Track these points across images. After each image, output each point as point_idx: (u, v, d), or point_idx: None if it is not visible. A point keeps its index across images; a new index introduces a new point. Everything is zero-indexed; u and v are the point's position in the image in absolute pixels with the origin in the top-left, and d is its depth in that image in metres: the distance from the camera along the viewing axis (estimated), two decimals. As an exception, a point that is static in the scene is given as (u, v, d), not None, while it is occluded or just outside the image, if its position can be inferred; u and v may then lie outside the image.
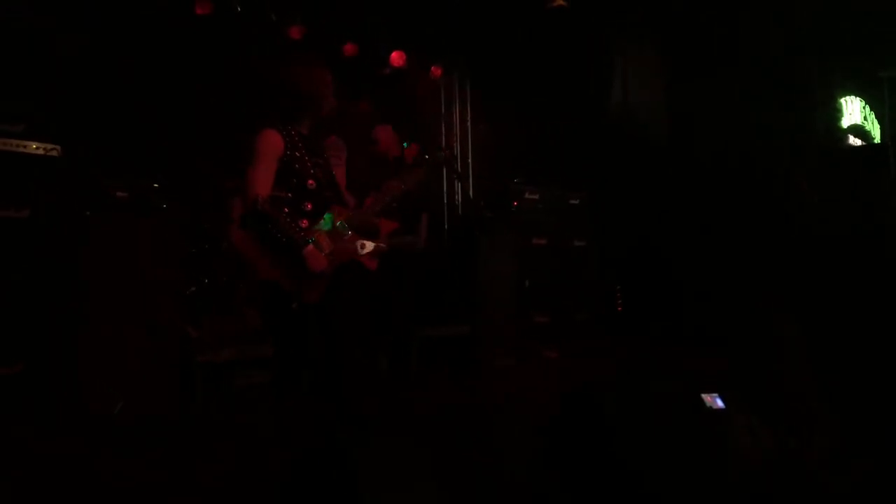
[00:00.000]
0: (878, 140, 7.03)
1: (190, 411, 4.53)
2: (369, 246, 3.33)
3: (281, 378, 3.17)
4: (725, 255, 6.53)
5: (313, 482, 1.84)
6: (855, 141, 7.17)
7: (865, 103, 7.21)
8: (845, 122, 7.24)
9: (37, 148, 4.18)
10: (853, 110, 7.26)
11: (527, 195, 7.26)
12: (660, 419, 2.35)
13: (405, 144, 4.63)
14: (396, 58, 7.23)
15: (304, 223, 3.13)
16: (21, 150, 4.13)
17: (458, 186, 8.02)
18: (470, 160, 8.15)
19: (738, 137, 6.75)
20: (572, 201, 7.57)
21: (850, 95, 7.26)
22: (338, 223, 3.25)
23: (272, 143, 3.13)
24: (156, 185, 4.70)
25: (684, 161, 7.16)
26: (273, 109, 3.23)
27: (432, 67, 7.68)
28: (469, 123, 8.29)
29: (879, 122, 7.18)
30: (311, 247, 3.04)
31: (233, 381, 4.96)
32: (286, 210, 3.09)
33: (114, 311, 4.29)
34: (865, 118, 7.22)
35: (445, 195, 8.14)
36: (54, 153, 4.24)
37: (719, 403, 2.36)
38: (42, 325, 4.08)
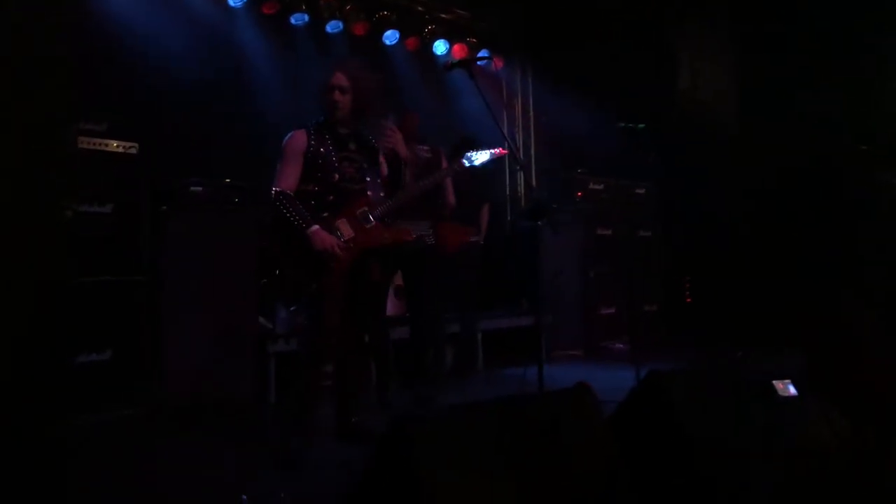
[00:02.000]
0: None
1: (264, 398, 4.68)
2: (394, 234, 3.58)
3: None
4: (797, 245, 6.32)
5: (377, 470, 1.87)
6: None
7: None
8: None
9: (117, 146, 4.37)
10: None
11: (591, 185, 7.20)
12: (730, 405, 2.32)
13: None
14: (458, 51, 7.27)
15: (326, 214, 3.40)
16: (103, 148, 4.32)
17: (521, 177, 8.00)
18: (533, 151, 8.12)
19: (810, 124, 6.52)
20: (638, 191, 7.47)
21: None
22: (358, 212, 3.48)
23: (296, 141, 3.45)
24: (228, 181, 4.85)
25: (754, 149, 6.96)
26: (321, 107, 3.51)
27: (494, 59, 7.67)
28: (532, 114, 8.25)
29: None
30: (316, 228, 3.29)
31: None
32: (312, 202, 3.39)
33: (191, 302, 4.45)
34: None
35: (508, 187, 8.12)
36: (133, 151, 4.43)
37: (792, 391, 2.30)
38: (128, 314, 4.27)
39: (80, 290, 4.06)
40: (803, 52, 6.57)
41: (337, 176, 3.45)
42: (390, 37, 6.94)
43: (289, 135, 3.47)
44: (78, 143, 4.18)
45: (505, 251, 6.83)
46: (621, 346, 6.90)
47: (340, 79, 3.45)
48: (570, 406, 2.25)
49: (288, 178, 3.40)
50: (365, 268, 3.51)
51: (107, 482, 3.16)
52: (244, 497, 2.24)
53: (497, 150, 4.06)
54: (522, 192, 8.06)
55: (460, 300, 5.60)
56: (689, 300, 7.68)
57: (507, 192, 8.10)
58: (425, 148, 4.73)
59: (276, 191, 3.36)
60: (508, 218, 7.87)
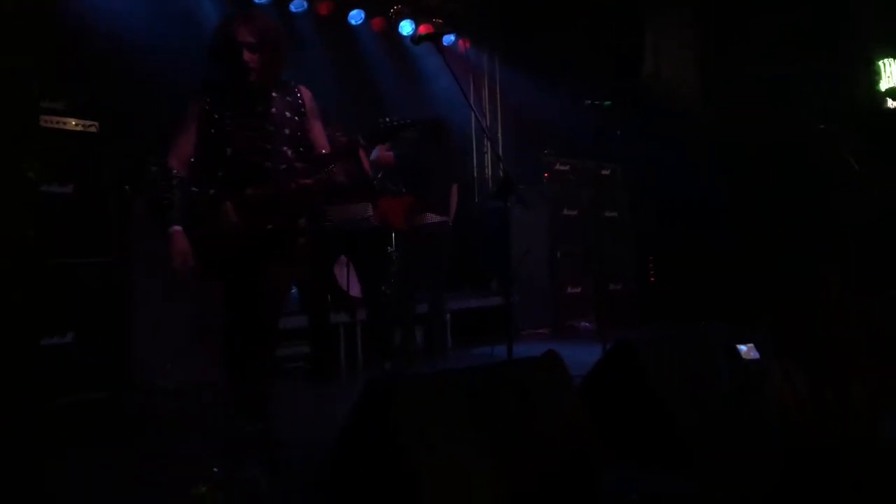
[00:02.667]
0: (918, 103, 6.85)
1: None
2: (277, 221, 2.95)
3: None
4: (761, 225, 6.45)
5: (359, 440, 1.88)
6: (894, 104, 7.00)
7: (905, 66, 7.03)
8: (884, 85, 7.07)
9: (76, 125, 4.27)
10: (892, 73, 7.08)
11: (557, 167, 7.26)
12: (697, 368, 2.37)
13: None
14: (424, 30, 7.23)
15: (213, 192, 2.85)
16: (62, 126, 4.22)
17: (489, 159, 8.02)
18: (500, 133, 8.13)
19: (774, 105, 6.65)
20: (603, 172, 7.54)
21: (889, 58, 7.09)
22: (250, 191, 2.87)
23: (191, 110, 2.94)
24: (192, 160, 4.77)
25: (718, 130, 7.07)
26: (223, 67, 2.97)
27: (460, 41, 7.66)
28: (498, 96, 8.26)
29: (920, 85, 6.99)
30: (176, 229, 2.82)
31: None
32: (201, 177, 2.86)
33: (156, 283, 4.39)
34: (904, 81, 7.04)
35: (476, 168, 8.13)
36: (93, 129, 4.33)
37: (755, 354, 2.36)
38: (91, 296, 4.19)
39: (43, 272, 3.97)
40: (766, 32, 6.69)
41: (229, 150, 2.87)
42: (356, 16, 6.88)
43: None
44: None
45: (473, 232, 6.85)
46: (587, 324, 6.99)
47: (246, 34, 2.88)
48: (539, 372, 2.28)
49: (176, 150, 2.90)
50: (265, 256, 2.94)
51: (74, 465, 3.11)
52: (216, 469, 2.23)
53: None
54: (490, 173, 8.08)
55: (429, 281, 5.61)
56: (652, 279, 7.81)
57: (475, 174, 8.11)
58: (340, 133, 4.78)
59: (162, 163, 2.88)
60: (476, 199, 7.88)
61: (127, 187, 4.50)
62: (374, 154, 5.10)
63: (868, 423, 2.19)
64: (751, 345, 2.40)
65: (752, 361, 2.36)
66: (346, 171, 3.39)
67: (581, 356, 5.22)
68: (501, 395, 2.01)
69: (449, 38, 7.39)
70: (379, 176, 5.18)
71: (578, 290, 7.12)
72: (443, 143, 5.41)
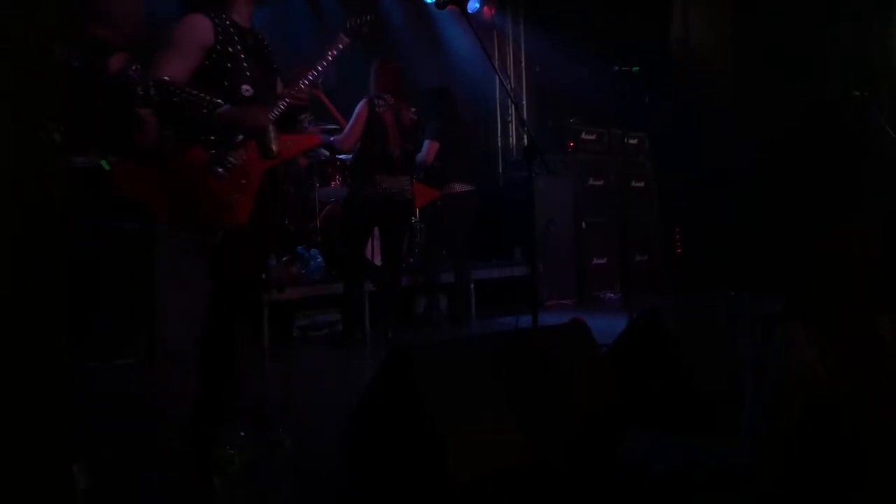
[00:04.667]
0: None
1: (257, 347, 4.69)
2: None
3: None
4: (792, 195, 6.32)
5: (381, 410, 1.88)
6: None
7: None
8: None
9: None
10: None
11: (584, 136, 7.15)
12: (721, 336, 2.34)
13: None
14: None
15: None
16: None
17: (513, 129, 7.93)
18: (524, 101, 8.03)
19: (806, 70, 6.47)
20: (630, 141, 7.42)
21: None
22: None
23: (198, 28, 2.50)
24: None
25: (748, 99, 6.91)
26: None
27: (485, 7, 7.54)
28: (524, 63, 8.14)
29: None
30: (228, 106, 2.44)
31: (295, 320, 5.12)
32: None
33: (183, 251, 4.42)
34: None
35: (500, 137, 8.06)
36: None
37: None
38: (120, 264, 4.23)
39: (72, 235, 4.01)
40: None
41: (249, 88, 2.56)
42: (379, -19, 6.79)
43: (184, 19, 2.54)
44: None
45: (497, 201, 6.81)
46: (612, 295, 6.94)
47: None
48: (566, 339, 2.26)
49: (174, 69, 2.43)
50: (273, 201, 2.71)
51: (104, 423, 3.17)
52: (242, 433, 2.25)
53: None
54: (514, 142, 8.00)
55: (454, 249, 5.60)
56: (679, 251, 7.72)
57: (500, 143, 8.03)
58: (413, 110, 4.79)
59: (157, 79, 2.36)
60: (500, 168, 7.82)
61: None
62: (425, 150, 5.17)
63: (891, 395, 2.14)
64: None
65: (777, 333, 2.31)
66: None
67: (606, 326, 5.19)
68: (526, 361, 1.99)
69: (473, 5, 7.27)
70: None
71: (604, 260, 7.05)
72: (449, 111, 5.42)
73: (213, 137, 2.47)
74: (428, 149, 5.23)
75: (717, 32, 7.48)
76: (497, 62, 7.69)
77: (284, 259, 5.34)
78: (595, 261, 7.00)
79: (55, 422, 1.42)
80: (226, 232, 2.54)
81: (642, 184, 7.46)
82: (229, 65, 2.54)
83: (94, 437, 2.88)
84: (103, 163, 3.88)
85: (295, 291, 5.03)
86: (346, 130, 4.78)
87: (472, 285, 5.87)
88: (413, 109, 4.89)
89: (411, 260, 5.74)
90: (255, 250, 2.74)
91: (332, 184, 5.67)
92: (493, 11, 7.64)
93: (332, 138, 5.03)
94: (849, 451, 1.99)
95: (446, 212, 5.47)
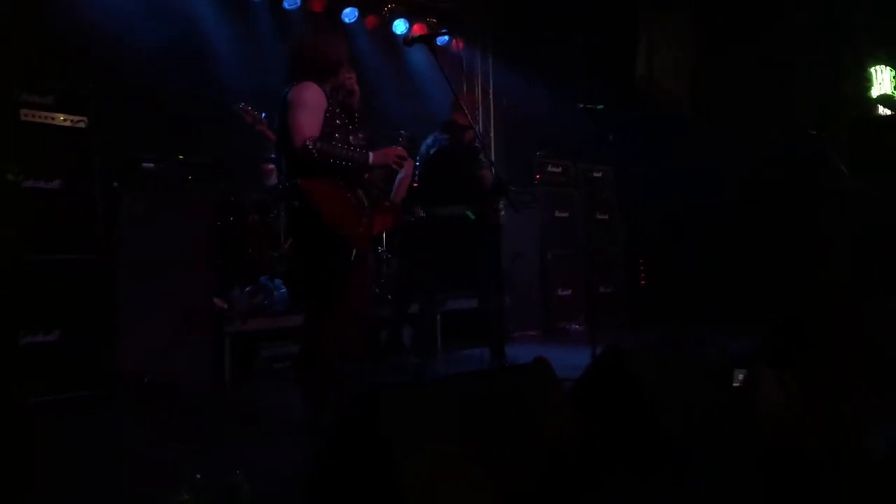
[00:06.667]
0: (908, 110, 6.88)
1: (220, 379, 4.60)
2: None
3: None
4: (752, 229, 6.46)
5: (343, 450, 1.85)
6: (884, 111, 7.02)
7: (896, 73, 7.06)
8: (875, 92, 7.09)
9: (64, 119, 4.22)
10: (883, 80, 7.11)
11: (549, 168, 7.23)
12: (687, 374, 2.36)
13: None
14: (418, 30, 7.20)
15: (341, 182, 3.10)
16: (49, 121, 4.16)
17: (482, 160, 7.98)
18: (492, 133, 8.10)
19: (765, 109, 6.66)
20: (595, 174, 7.53)
21: (880, 65, 7.11)
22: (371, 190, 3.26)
23: (316, 95, 3.00)
24: (181, 157, 4.73)
25: (710, 133, 7.08)
26: (300, 74, 3.12)
27: (454, 41, 7.63)
28: (491, 96, 8.23)
29: (910, 92, 7.02)
30: (373, 153, 3.08)
31: (259, 352, 5.03)
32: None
33: (146, 280, 4.35)
34: (895, 88, 7.07)
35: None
36: (82, 125, 4.28)
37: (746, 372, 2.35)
38: (78, 293, 4.13)
39: (29, 268, 3.92)
40: (759, 36, 6.70)
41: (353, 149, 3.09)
42: (349, 14, 6.84)
43: (302, 85, 3.03)
44: (21, 115, 4.02)
45: (465, 232, 6.81)
46: (577, 326, 6.97)
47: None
48: (530, 379, 2.26)
49: (314, 128, 2.94)
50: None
51: (59, 463, 3.07)
52: (198, 476, 2.20)
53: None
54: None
55: (422, 280, 5.58)
56: (643, 282, 7.81)
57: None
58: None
59: (309, 139, 2.87)
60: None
61: (116, 183, 4.45)
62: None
63: (857, 436, 2.18)
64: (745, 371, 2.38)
65: (745, 376, 2.35)
66: None
67: (572, 359, 5.22)
68: (491, 404, 1.98)
69: (442, 39, 7.36)
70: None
71: (569, 292, 7.10)
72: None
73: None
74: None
75: (680, 70, 7.67)
76: (465, 93, 7.78)
77: (247, 289, 5.27)
78: (560, 292, 7.04)
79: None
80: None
81: (606, 216, 7.56)
82: (338, 125, 3.11)
83: (52, 477, 2.80)
84: (469, 213, 4.58)
85: (258, 322, 4.96)
86: None
87: (438, 317, 5.84)
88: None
89: (377, 290, 5.70)
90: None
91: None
92: (461, 45, 7.74)
93: None
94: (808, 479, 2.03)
95: (413, 241, 5.46)
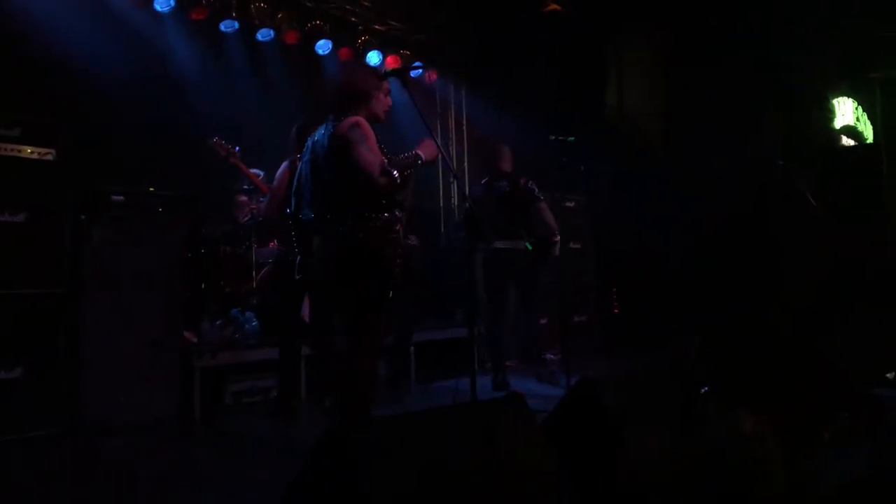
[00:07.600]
0: (870, 140, 7.07)
1: (189, 414, 4.51)
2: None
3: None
4: (723, 257, 6.55)
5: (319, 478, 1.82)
6: (848, 141, 7.20)
7: (858, 104, 7.25)
8: (838, 123, 7.28)
9: (31, 152, 4.16)
10: (846, 111, 7.30)
11: (523, 198, 7.27)
12: (659, 405, 2.35)
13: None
14: (392, 62, 7.26)
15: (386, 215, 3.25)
16: (16, 154, 4.11)
17: (455, 188, 8.02)
18: (466, 164, 8.16)
19: (734, 139, 6.79)
20: (568, 204, 7.58)
21: (842, 96, 7.30)
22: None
23: (367, 126, 3.22)
24: (151, 190, 4.69)
25: (680, 163, 7.20)
26: (344, 109, 3.30)
27: (427, 73, 7.70)
28: (465, 127, 8.31)
29: (871, 123, 7.22)
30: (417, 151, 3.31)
31: (228, 385, 4.95)
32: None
33: (113, 315, 4.27)
34: (858, 119, 7.26)
35: (442, 198, 8.13)
36: (49, 157, 4.22)
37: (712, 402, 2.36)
38: (42, 328, 4.05)
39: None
40: (726, 68, 6.85)
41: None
42: (323, 46, 6.88)
43: (351, 122, 3.21)
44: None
45: (438, 263, 6.82)
46: (553, 356, 6.97)
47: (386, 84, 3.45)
48: (503, 415, 2.24)
49: (380, 156, 3.17)
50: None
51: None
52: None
53: None
54: (456, 202, 8.08)
55: (394, 312, 5.54)
56: (616, 311, 7.86)
57: (441, 203, 8.10)
58: None
59: (383, 165, 3.12)
60: (442, 229, 7.87)
61: (83, 216, 4.38)
62: None
63: (783, 463, 2.19)
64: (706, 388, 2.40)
65: (709, 408, 2.36)
66: None
67: (547, 389, 5.22)
68: (464, 441, 1.96)
69: (416, 71, 7.43)
70: None
71: (544, 321, 7.10)
72: None
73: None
74: None
75: (651, 101, 7.81)
76: (439, 124, 7.85)
77: (218, 322, 5.21)
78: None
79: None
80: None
81: (580, 245, 7.61)
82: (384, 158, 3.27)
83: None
84: (527, 244, 5.23)
85: (229, 356, 4.89)
86: (268, 196, 4.75)
87: (412, 348, 5.82)
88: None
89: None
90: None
91: (270, 244, 5.60)
92: (434, 76, 7.80)
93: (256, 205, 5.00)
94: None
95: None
